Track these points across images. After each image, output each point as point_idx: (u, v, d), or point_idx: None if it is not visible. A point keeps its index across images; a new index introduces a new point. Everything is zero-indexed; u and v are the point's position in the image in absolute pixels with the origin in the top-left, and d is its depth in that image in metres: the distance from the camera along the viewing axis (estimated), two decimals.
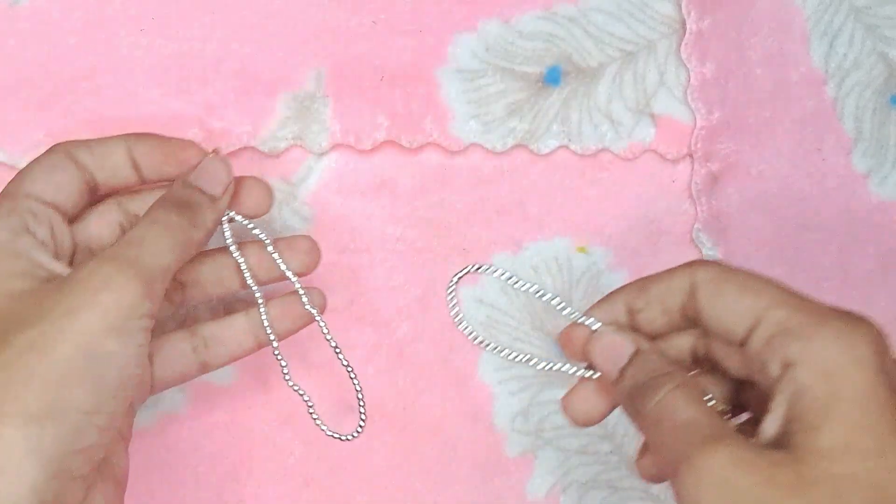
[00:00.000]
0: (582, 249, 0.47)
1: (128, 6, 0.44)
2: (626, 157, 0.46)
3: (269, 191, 0.40)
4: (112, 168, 0.38)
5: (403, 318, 0.46)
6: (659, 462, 0.33)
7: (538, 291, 0.39)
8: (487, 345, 0.40)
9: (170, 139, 0.39)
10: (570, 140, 0.46)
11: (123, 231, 0.40)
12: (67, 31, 0.43)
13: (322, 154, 0.45)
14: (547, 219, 0.47)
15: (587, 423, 0.38)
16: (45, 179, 0.37)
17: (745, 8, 0.46)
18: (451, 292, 0.39)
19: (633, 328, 0.37)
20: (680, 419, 0.32)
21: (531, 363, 0.39)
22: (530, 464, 0.48)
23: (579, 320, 0.37)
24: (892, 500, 0.29)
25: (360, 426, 0.41)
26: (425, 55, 0.45)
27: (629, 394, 0.34)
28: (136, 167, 0.39)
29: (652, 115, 0.46)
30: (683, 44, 0.46)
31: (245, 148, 0.45)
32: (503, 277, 0.39)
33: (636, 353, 0.35)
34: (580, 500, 0.48)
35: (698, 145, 0.46)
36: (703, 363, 0.37)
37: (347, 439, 0.41)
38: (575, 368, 0.38)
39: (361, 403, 0.41)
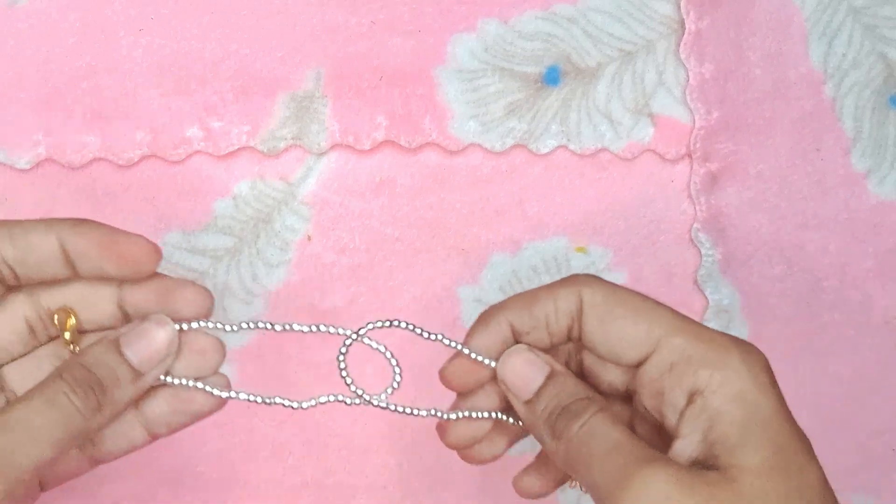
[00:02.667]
0: (581, 249, 0.47)
1: (127, 6, 0.44)
2: (625, 157, 0.46)
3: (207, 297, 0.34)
4: (37, 264, 0.33)
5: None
6: (589, 486, 0.32)
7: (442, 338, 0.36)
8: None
9: (113, 231, 0.33)
10: (568, 140, 0.46)
11: (31, 330, 0.35)
12: (66, 31, 0.43)
13: (321, 154, 0.45)
14: (546, 219, 0.47)
15: (540, 496, 0.37)
16: None
17: (744, 8, 0.46)
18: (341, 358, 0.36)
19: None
20: (609, 441, 0.31)
21: (416, 413, 0.36)
22: None
23: (474, 355, 0.35)
24: None
25: (396, 383, 0.36)
26: (424, 55, 0.45)
27: (549, 417, 0.33)
28: (68, 262, 0.33)
29: (651, 115, 0.46)
30: (682, 44, 0.46)
31: (244, 148, 0.45)
32: (409, 329, 0.36)
33: (550, 374, 0.34)
34: (579, 499, 0.48)
35: (697, 145, 0.46)
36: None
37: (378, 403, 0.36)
38: (479, 413, 0.36)
39: (396, 367, 0.36)
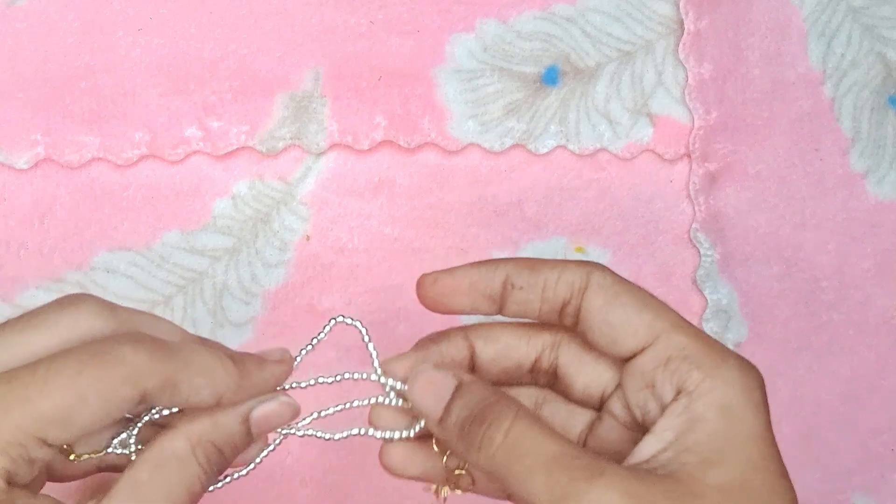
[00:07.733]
0: (580, 249, 0.47)
1: (126, 6, 0.44)
2: (624, 157, 0.46)
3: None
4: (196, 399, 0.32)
5: (401, 318, 0.46)
6: (522, 499, 0.29)
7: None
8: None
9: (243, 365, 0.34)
10: (567, 140, 0.46)
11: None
12: (65, 31, 0.43)
13: (320, 154, 0.45)
14: (545, 219, 0.47)
15: (406, 474, 0.36)
16: (74, 408, 0.28)
17: (743, 8, 0.46)
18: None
19: (501, 305, 0.35)
20: (545, 453, 0.30)
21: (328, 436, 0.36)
22: None
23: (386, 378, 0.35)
24: None
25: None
26: (423, 55, 0.45)
27: (461, 428, 0.32)
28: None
29: (650, 115, 0.46)
30: (681, 44, 0.46)
31: (243, 148, 0.45)
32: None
33: (459, 385, 0.32)
34: None
35: (696, 145, 0.46)
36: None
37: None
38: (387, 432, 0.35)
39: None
